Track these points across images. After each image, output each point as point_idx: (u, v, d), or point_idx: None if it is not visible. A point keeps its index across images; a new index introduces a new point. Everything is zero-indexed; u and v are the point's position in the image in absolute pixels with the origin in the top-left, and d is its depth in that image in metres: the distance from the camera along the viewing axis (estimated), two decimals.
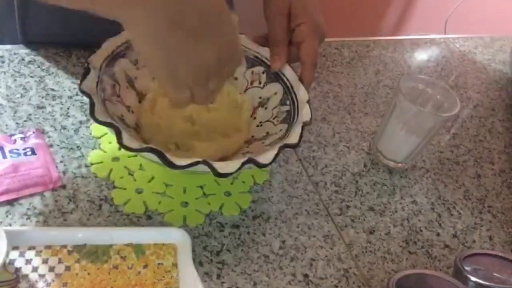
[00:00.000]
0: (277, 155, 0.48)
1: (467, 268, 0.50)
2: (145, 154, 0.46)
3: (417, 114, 0.61)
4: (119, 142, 0.45)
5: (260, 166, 0.48)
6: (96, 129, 0.59)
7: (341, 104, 0.76)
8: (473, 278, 0.49)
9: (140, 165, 0.57)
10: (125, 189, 0.54)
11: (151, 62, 0.45)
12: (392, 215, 0.62)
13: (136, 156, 0.57)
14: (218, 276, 0.50)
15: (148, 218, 0.53)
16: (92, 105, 0.47)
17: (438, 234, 0.61)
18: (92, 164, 0.56)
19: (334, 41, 0.90)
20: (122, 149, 0.46)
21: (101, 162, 0.56)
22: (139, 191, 0.54)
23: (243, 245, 0.53)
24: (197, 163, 0.45)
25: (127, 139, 0.45)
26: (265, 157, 0.48)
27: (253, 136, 0.59)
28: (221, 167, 0.46)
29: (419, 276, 0.51)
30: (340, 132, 0.71)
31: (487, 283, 0.48)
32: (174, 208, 0.54)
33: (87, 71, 0.50)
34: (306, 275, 0.52)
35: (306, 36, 0.59)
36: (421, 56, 0.95)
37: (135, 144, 0.45)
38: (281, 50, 0.59)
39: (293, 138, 0.51)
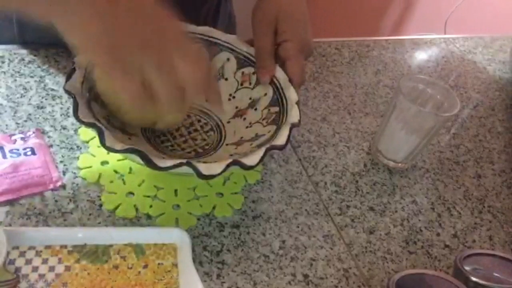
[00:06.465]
0: (263, 157, 0.48)
1: (467, 268, 0.50)
2: (129, 155, 0.45)
3: (417, 114, 0.61)
4: (101, 143, 0.44)
5: (246, 168, 0.47)
6: (84, 133, 0.58)
7: (341, 104, 0.76)
8: (473, 278, 0.49)
9: (130, 168, 0.56)
10: (115, 193, 0.54)
11: (93, 52, 0.43)
12: (392, 215, 0.62)
13: (125, 159, 0.56)
14: (218, 276, 0.50)
15: (148, 218, 0.53)
16: (75, 105, 0.46)
17: (438, 234, 0.61)
18: (81, 169, 0.55)
19: (334, 41, 0.90)
20: (111, 153, 0.45)
21: (90, 167, 0.55)
22: (129, 195, 0.54)
23: (243, 245, 0.53)
24: (180, 164, 0.44)
25: (109, 140, 0.44)
26: (251, 159, 0.47)
27: (242, 137, 0.58)
28: (205, 168, 0.45)
29: (419, 276, 0.51)
30: (340, 132, 0.71)
31: (487, 283, 0.48)
32: (166, 211, 0.53)
33: (72, 71, 0.49)
34: (306, 275, 0.52)
35: (291, 55, 0.58)
36: (421, 56, 0.95)
37: (118, 145, 0.44)
38: (268, 63, 0.59)
39: (280, 140, 0.50)
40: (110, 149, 0.45)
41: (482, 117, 0.84)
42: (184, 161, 0.45)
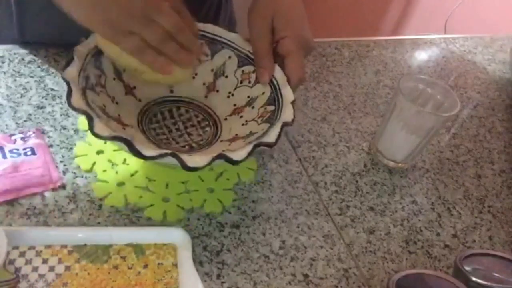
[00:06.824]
0: (250, 153, 0.48)
1: (467, 268, 0.50)
2: (116, 143, 0.45)
3: (417, 114, 0.61)
4: (90, 129, 0.45)
5: (232, 162, 0.47)
6: (83, 121, 0.58)
7: (341, 104, 0.76)
8: (473, 278, 0.49)
9: (125, 159, 0.56)
10: (107, 182, 0.54)
11: (88, 20, 0.50)
12: (392, 215, 0.62)
13: (121, 150, 0.56)
14: (218, 276, 0.50)
15: (149, 218, 0.53)
16: (69, 92, 0.47)
17: (438, 234, 0.61)
18: (76, 156, 0.55)
19: (334, 41, 0.90)
20: (108, 142, 0.46)
21: (85, 155, 0.56)
22: (120, 185, 0.54)
23: (243, 245, 0.53)
24: (165, 154, 0.45)
25: (98, 127, 0.45)
26: (238, 154, 0.48)
27: (236, 135, 0.58)
28: (190, 160, 0.45)
29: (419, 276, 0.51)
30: (340, 132, 0.71)
31: (487, 283, 0.48)
32: (155, 203, 0.53)
33: (70, 59, 0.50)
34: (306, 275, 0.52)
35: (290, 50, 0.57)
36: (421, 56, 0.95)
37: (105, 132, 0.45)
38: (267, 62, 0.58)
39: (270, 137, 0.51)
40: (97, 136, 0.45)
41: (482, 117, 0.84)
42: (169, 151, 0.45)
